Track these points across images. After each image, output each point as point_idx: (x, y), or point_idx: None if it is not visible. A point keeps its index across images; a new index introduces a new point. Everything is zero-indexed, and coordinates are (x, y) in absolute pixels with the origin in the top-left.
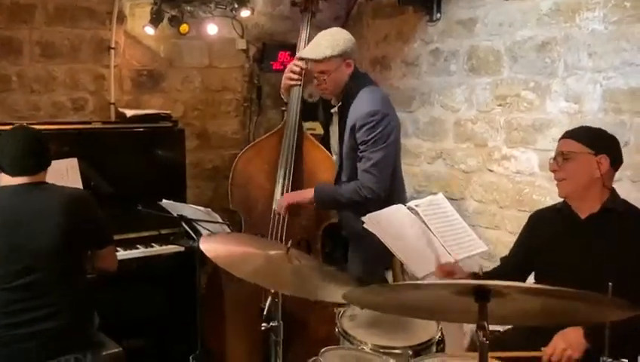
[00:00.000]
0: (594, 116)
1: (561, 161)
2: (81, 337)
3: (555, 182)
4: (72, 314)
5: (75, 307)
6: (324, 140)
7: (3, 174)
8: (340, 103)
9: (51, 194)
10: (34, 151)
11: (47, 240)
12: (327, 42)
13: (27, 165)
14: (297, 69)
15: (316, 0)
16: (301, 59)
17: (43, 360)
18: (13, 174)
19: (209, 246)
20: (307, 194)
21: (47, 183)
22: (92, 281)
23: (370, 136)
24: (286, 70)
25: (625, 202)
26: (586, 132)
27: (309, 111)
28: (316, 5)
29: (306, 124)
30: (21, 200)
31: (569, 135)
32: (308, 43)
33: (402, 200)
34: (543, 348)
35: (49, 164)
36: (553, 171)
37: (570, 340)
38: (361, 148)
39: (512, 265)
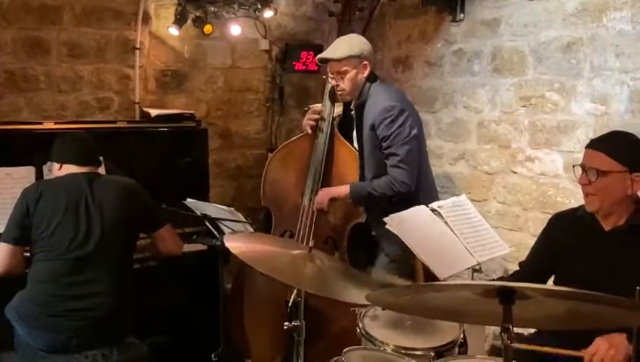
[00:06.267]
0: (620, 118)
1: (593, 177)
2: (118, 332)
3: (584, 194)
4: (117, 306)
5: (122, 297)
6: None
7: (56, 166)
8: (358, 103)
9: (109, 183)
10: (95, 149)
11: (105, 222)
12: (345, 44)
13: (93, 157)
14: (318, 109)
15: (353, 11)
16: (321, 60)
17: (82, 348)
18: (81, 164)
19: (234, 244)
20: (343, 189)
21: (103, 174)
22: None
23: (390, 131)
24: (309, 114)
25: None
26: (621, 146)
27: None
28: (353, 15)
29: None
30: (85, 185)
31: (601, 148)
32: None
33: (434, 197)
34: (582, 350)
35: (101, 163)
36: (583, 185)
37: (613, 341)
38: (384, 144)
39: (531, 271)
